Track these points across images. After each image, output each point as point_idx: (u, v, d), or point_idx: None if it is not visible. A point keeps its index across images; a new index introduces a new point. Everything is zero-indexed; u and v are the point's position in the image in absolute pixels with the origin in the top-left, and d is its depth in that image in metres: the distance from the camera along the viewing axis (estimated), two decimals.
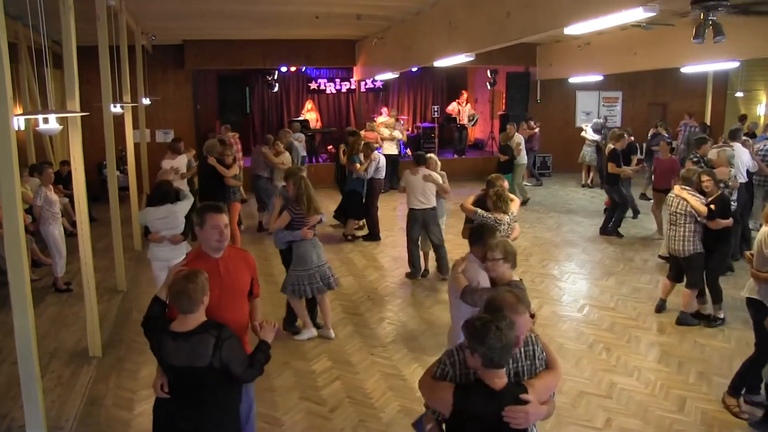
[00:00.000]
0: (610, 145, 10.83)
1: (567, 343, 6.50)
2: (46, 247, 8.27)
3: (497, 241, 4.16)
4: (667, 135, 14.74)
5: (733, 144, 9.27)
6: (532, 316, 3.33)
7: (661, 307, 7.29)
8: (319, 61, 16.54)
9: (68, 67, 5.99)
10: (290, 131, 12.01)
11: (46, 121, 4.83)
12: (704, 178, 6.81)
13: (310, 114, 17.59)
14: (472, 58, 8.88)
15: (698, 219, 6.63)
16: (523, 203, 12.95)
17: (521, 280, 4.26)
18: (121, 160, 12.58)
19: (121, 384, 5.71)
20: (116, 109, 8.52)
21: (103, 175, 12.57)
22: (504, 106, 17.63)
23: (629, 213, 11.61)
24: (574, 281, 8.57)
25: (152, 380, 5.67)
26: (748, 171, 9.24)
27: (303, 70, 17.98)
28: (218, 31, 13.51)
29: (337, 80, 18.63)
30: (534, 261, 9.39)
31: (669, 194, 6.96)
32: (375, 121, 15.53)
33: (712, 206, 6.65)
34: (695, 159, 8.65)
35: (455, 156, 17.51)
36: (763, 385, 5.17)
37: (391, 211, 12.80)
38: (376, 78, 16.85)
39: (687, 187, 6.75)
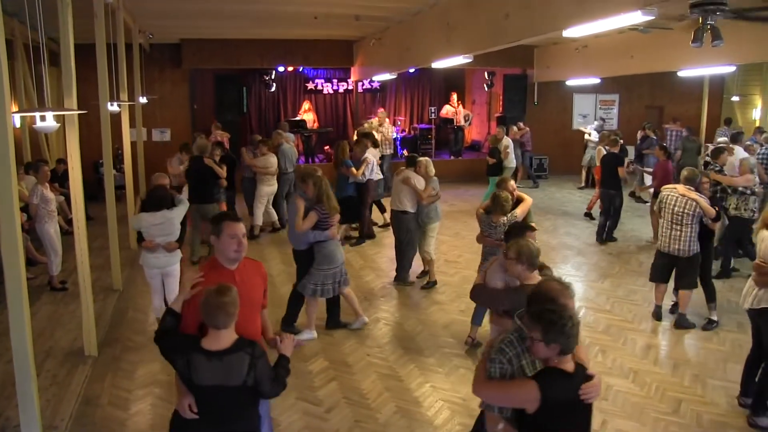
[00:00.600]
0: (603, 149, 10.91)
1: None
2: (41, 245, 8.25)
3: (513, 242, 4.19)
4: (655, 137, 14.87)
5: (734, 147, 9.33)
6: None
7: (659, 314, 7.26)
8: (317, 62, 16.53)
9: (65, 65, 5.97)
10: (282, 132, 11.86)
11: (43, 118, 4.82)
12: (704, 179, 6.97)
13: (307, 114, 17.57)
14: (470, 60, 8.89)
15: (703, 220, 6.68)
16: None
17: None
18: (118, 159, 12.57)
19: (116, 383, 5.69)
20: (113, 107, 8.50)
21: (100, 173, 12.57)
22: (501, 108, 17.65)
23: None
24: (570, 283, 8.54)
25: (148, 379, 5.72)
26: None
27: (300, 70, 17.95)
28: (216, 30, 13.49)
29: (335, 81, 18.60)
30: None
31: (669, 194, 6.88)
32: (370, 122, 15.54)
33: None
34: (717, 169, 8.58)
35: (452, 157, 17.52)
36: None
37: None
38: (374, 79, 16.85)
39: (691, 188, 6.79)
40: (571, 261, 9.61)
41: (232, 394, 3.08)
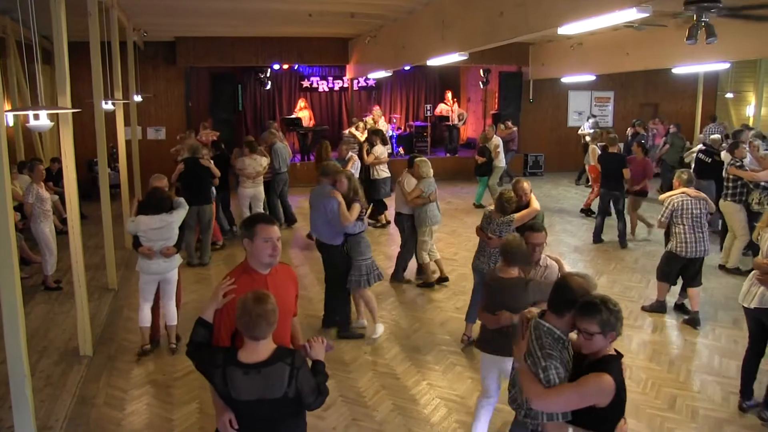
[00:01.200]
0: (597, 148, 10.91)
1: None
2: (36, 245, 8.21)
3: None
4: (645, 133, 14.95)
5: (759, 142, 9.43)
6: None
7: (664, 307, 7.29)
8: (312, 59, 16.51)
9: (59, 63, 5.95)
10: (275, 132, 11.78)
11: (36, 117, 4.79)
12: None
13: (302, 112, 17.52)
14: (465, 58, 8.88)
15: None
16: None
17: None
18: (113, 158, 12.52)
19: (112, 383, 5.68)
20: (108, 105, 8.46)
21: (94, 172, 12.51)
22: (497, 106, 17.65)
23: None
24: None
25: (144, 379, 5.70)
26: None
27: (296, 68, 17.93)
28: (211, 27, 13.45)
29: (330, 78, 18.58)
30: None
31: (683, 200, 6.83)
32: (365, 120, 15.53)
33: None
34: (738, 164, 8.56)
35: (447, 155, 17.51)
36: None
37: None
38: (369, 76, 16.83)
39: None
40: (567, 258, 9.60)
41: (274, 408, 2.91)
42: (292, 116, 16.96)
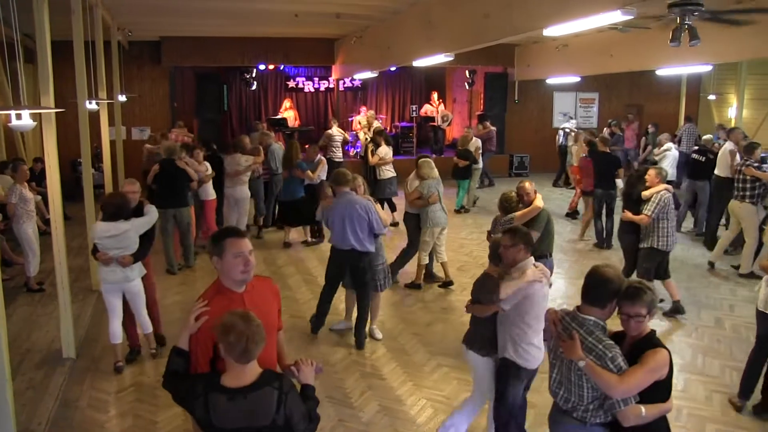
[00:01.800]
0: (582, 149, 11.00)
1: None
2: (18, 246, 8.12)
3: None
4: (621, 134, 15.10)
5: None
6: None
7: (682, 308, 7.33)
8: (298, 60, 16.49)
9: (42, 62, 5.87)
10: (269, 133, 11.66)
11: (19, 117, 4.74)
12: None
13: (288, 112, 17.51)
14: (450, 58, 8.90)
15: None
16: (465, 211, 12.89)
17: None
18: (97, 158, 12.42)
19: (95, 385, 5.62)
20: (91, 105, 8.39)
21: (78, 172, 12.39)
22: (482, 107, 17.71)
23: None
24: (552, 280, 8.58)
25: (128, 381, 5.65)
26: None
27: (281, 68, 17.90)
28: (196, 27, 13.38)
29: (316, 79, 18.59)
30: None
31: (669, 196, 6.93)
32: (358, 120, 15.56)
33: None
34: (756, 165, 8.52)
35: (433, 156, 17.49)
36: None
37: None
38: (355, 77, 16.84)
39: None
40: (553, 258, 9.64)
41: None
42: (278, 116, 16.95)
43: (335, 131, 13.54)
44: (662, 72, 13.82)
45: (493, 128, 15.60)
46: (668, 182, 7.45)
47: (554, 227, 6.54)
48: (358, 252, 6.28)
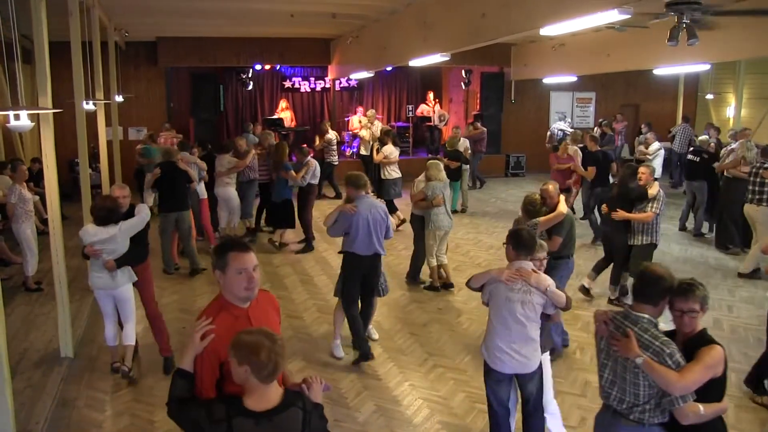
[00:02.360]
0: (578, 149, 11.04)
1: None
2: (15, 245, 8.12)
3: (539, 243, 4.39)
4: (612, 133, 15.15)
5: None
6: None
7: None
8: (294, 60, 16.50)
9: (40, 63, 5.88)
10: (271, 133, 11.62)
11: (17, 117, 4.74)
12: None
13: (284, 113, 17.50)
14: (447, 58, 8.91)
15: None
16: (462, 211, 12.85)
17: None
18: (94, 158, 12.41)
19: (93, 385, 5.63)
20: (89, 106, 8.39)
21: (75, 172, 12.39)
22: (478, 106, 17.72)
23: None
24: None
25: (125, 380, 5.64)
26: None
27: (277, 68, 17.89)
28: (192, 28, 13.39)
29: (312, 79, 18.59)
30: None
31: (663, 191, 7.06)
32: (360, 118, 15.56)
33: None
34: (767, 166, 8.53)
35: (429, 155, 17.54)
36: None
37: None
38: (351, 77, 16.85)
39: None
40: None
41: None
42: (274, 117, 16.94)
43: (333, 135, 13.62)
44: (659, 71, 13.84)
45: (484, 129, 15.46)
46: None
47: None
48: (378, 256, 6.15)
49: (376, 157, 11.27)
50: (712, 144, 11.19)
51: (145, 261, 5.86)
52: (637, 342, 3.12)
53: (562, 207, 6.15)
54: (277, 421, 2.49)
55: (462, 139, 13.08)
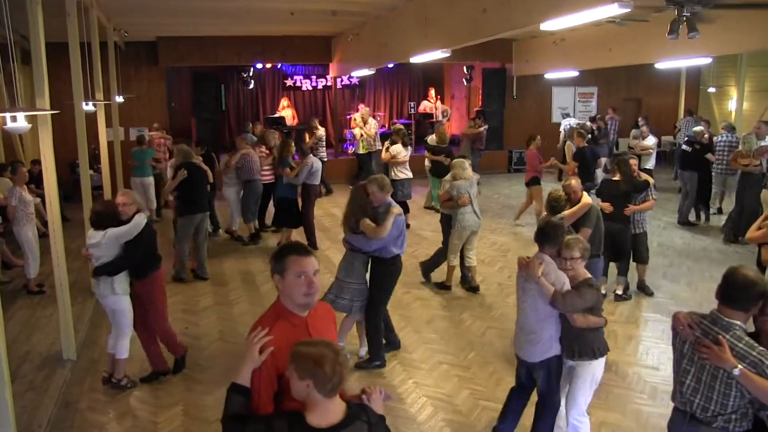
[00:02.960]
0: (572, 145, 11.06)
1: None
2: (17, 248, 8.10)
3: (573, 239, 4.28)
4: (606, 127, 15.13)
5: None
6: None
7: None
8: (295, 58, 16.47)
9: (36, 64, 5.85)
10: (275, 132, 11.53)
11: (14, 119, 4.72)
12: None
13: (285, 111, 17.48)
14: (448, 55, 8.87)
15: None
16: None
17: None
18: (95, 159, 12.40)
19: (95, 387, 5.62)
20: (88, 107, 8.37)
21: (76, 174, 12.38)
22: (480, 102, 17.68)
23: None
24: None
25: (129, 381, 5.63)
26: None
27: (278, 66, 17.87)
28: (192, 27, 13.36)
29: (313, 77, 18.56)
30: (511, 256, 9.40)
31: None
32: (355, 117, 15.51)
33: None
34: None
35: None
36: None
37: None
38: (352, 74, 16.81)
39: None
40: None
41: None
42: (276, 115, 16.91)
43: (323, 132, 13.63)
44: (661, 65, 13.77)
45: (483, 129, 15.22)
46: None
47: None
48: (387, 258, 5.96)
49: (384, 156, 11.19)
50: (706, 136, 11.23)
51: (146, 277, 5.48)
52: (731, 351, 2.92)
53: (586, 199, 6.18)
54: None
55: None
